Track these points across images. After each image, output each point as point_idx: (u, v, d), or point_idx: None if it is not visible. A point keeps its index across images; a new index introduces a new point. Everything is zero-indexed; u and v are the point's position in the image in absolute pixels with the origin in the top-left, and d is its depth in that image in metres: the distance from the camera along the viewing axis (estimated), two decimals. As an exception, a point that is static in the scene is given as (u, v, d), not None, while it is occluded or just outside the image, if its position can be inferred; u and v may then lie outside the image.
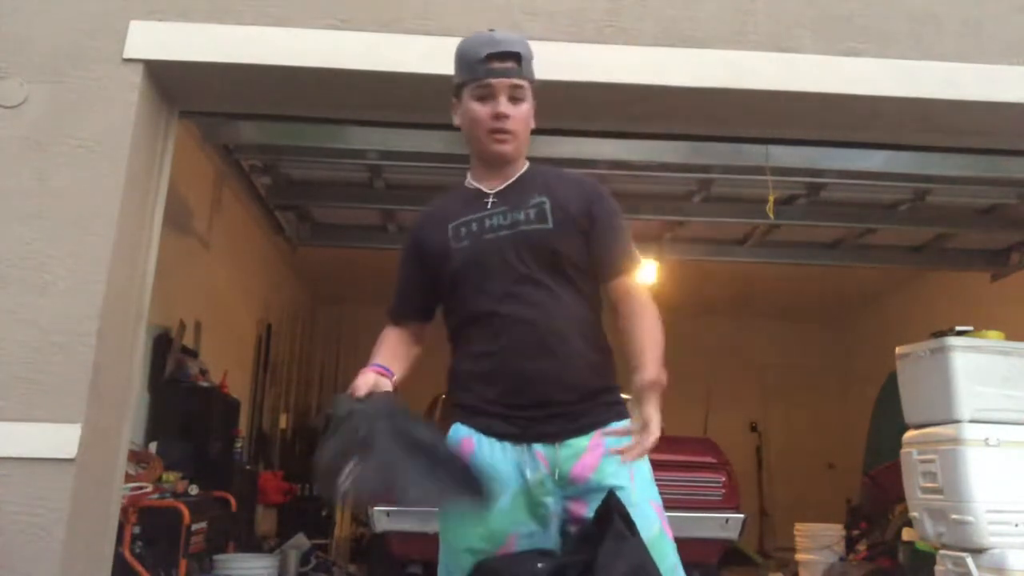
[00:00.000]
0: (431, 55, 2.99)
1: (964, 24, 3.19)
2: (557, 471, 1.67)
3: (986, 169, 4.36)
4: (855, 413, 8.11)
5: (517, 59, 1.78)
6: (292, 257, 7.11)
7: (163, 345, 4.80)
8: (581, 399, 1.72)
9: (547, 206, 1.79)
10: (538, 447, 1.68)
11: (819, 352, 9.28)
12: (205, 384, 5.15)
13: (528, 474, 1.67)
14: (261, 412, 6.86)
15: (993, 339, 4.09)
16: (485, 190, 1.83)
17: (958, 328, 4.11)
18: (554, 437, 1.69)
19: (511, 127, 1.79)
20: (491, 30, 1.87)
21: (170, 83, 3.14)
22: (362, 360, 1.80)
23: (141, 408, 4.38)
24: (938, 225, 5.78)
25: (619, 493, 1.63)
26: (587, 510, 1.64)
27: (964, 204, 5.44)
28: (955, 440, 3.80)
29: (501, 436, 1.70)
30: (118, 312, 2.90)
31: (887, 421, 5.66)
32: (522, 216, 1.78)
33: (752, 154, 4.09)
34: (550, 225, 1.77)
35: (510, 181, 1.83)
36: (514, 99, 1.79)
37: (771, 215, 4.31)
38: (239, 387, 6.12)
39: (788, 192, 5.16)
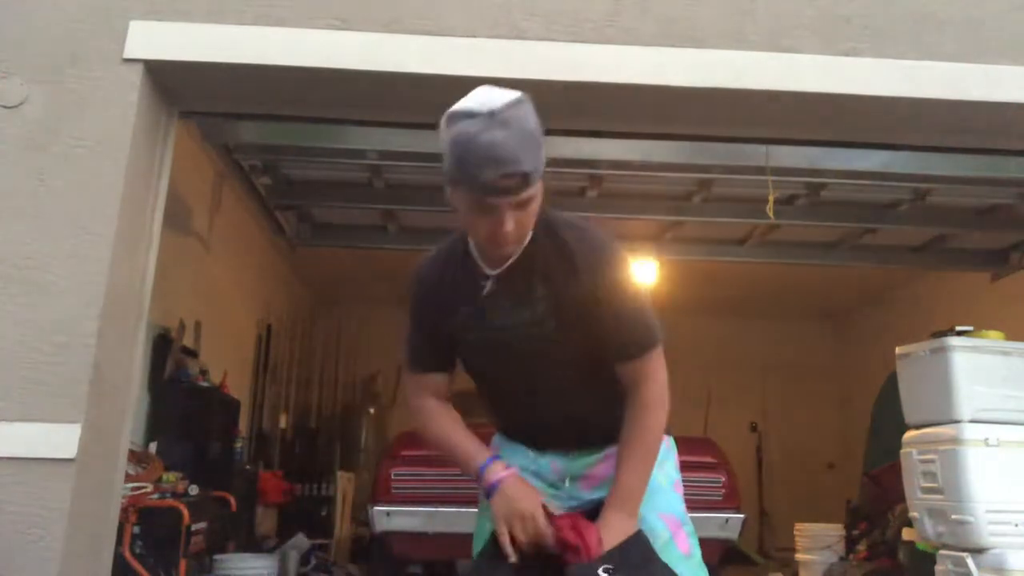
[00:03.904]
0: (431, 55, 2.99)
1: (964, 24, 3.18)
2: (568, 478, 1.77)
3: (986, 169, 4.35)
4: (855, 413, 8.11)
5: (526, 175, 1.47)
6: (292, 257, 7.11)
7: (163, 345, 4.79)
8: (603, 442, 1.77)
9: (547, 303, 1.63)
10: (552, 457, 1.79)
11: (819, 352, 9.28)
12: (205, 384, 5.15)
13: (539, 472, 1.79)
14: (261, 412, 6.86)
15: (993, 339, 4.09)
16: (486, 270, 1.65)
17: (958, 328, 4.11)
18: (569, 450, 1.80)
19: (516, 235, 1.56)
20: (488, 89, 1.59)
21: (170, 83, 3.13)
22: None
23: (141, 408, 4.38)
24: (938, 225, 5.78)
25: None
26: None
27: (964, 204, 5.44)
28: (955, 440, 3.80)
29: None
30: (118, 312, 2.90)
31: (887, 421, 5.65)
32: (524, 316, 1.64)
33: (752, 154, 4.09)
34: (553, 326, 1.64)
35: (511, 261, 1.63)
36: (520, 206, 1.51)
37: (771, 215, 4.31)
38: (239, 387, 6.12)
39: (788, 192, 5.16)
